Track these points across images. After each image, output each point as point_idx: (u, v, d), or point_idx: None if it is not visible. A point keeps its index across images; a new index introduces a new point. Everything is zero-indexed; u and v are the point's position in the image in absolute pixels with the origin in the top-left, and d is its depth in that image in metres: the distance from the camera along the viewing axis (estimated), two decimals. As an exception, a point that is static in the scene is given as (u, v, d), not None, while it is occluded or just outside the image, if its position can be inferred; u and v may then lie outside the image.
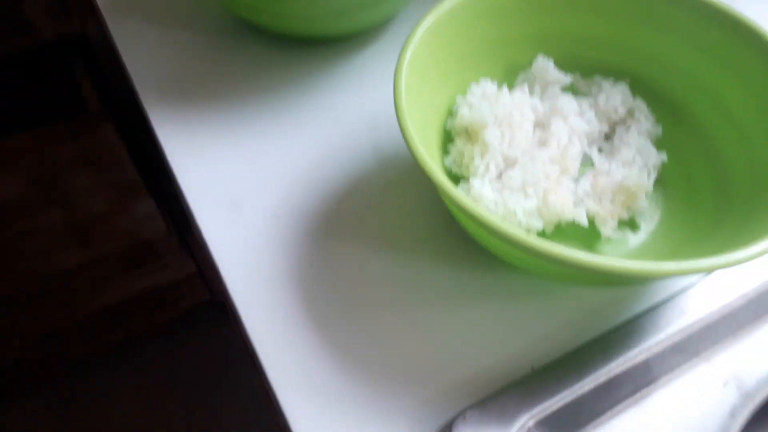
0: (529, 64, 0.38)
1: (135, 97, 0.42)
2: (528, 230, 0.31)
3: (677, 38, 0.35)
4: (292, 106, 0.41)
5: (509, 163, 0.33)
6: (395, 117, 0.39)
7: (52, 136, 0.66)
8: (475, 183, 0.32)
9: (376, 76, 0.42)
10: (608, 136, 0.37)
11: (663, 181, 0.35)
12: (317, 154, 0.38)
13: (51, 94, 0.74)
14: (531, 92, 0.37)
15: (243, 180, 0.37)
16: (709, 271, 0.25)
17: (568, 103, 0.35)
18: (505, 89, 0.35)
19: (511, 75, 0.38)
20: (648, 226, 0.33)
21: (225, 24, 0.45)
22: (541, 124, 0.35)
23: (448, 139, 0.36)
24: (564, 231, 0.33)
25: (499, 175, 0.33)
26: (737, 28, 0.33)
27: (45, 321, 0.85)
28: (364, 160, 0.38)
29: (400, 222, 0.35)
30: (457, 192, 0.27)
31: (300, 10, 0.40)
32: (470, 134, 0.34)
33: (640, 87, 0.37)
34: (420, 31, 0.32)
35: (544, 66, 0.37)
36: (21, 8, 0.67)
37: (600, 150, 0.36)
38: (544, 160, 0.33)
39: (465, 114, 0.34)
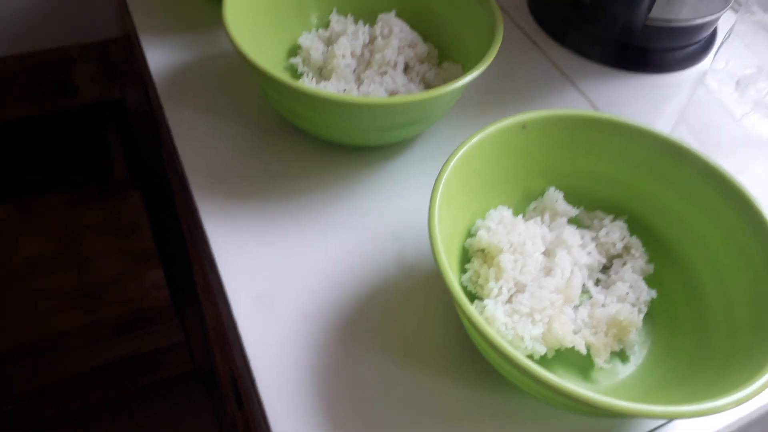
0: (542, 194, 0.43)
1: (184, 181, 0.46)
2: (532, 355, 0.35)
3: (674, 187, 0.40)
4: (328, 207, 0.45)
5: (519, 288, 0.38)
6: (418, 229, 0.44)
7: (83, 199, 0.70)
8: (489, 304, 0.36)
9: (403, 185, 0.47)
10: (606, 268, 0.42)
11: (652, 317, 0.39)
12: (346, 256, 0.42)
13: (83, 157, 0.79)
14: (541, 221, 0.42)
15: (277, 275, 0.41)
16: (672, 418, 0.29)
17: (572, 235, 0.40)
18: (520, 218, 0.40)
19: (524, 202, 0.43)
20: (637, 358, 0.38)
21: (272, 121, 0.50)
22: (547, 252, 0.40)
23: (464, 255, 0.40)
24: (563, 356, 0.37)
25: (510, 298, 0.37)
26: (728, 190, 0.38)
27: (33, 379, 0.86)
28: (388, 267, 0.42)
29: (417, 330, 0.39)
30: (474, 312, 0.31)
31: (339, 123, 0.45)
32: (486, 256, 0.39)
33: (636, 225, 0.42)
34: (453, 162, 0.37)
35: (555, 198, 0.42)
36: (69, 72, 0.72)
37: (598, 281, 0.41)
38: (550, 289, 0.37)
39: (483, 236, 0.39)
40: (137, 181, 0.76)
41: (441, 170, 0.36)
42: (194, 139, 0.48)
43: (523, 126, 0.40)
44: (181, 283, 0.90)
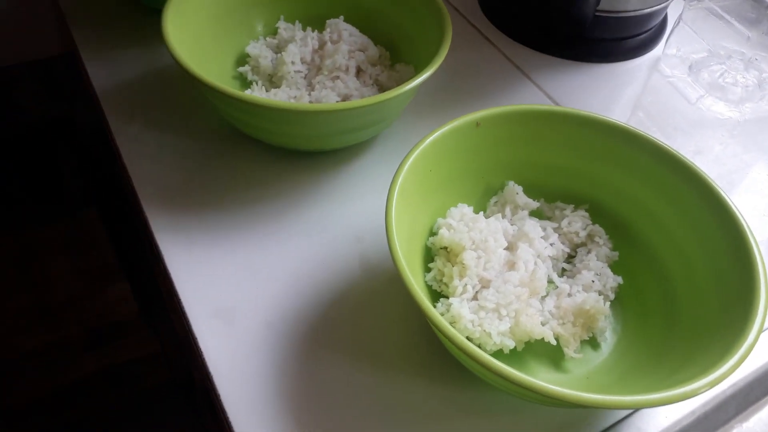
0: (501, 188, 0.42)
1: (135, 199, 0.45)
2: (502, 349, 0.34)
3: (631, 173, 0.40)
4: (285, 214, 0.44)
5: (484, 284, 0.37)
6: (380, 230, 0.43)
7: (38, 219, 0.68)
8: (455, 302, 0.35)
9: (362, 188, 0.46)
10: (571, 257, 0.41)
11: (621, 302, 0.39)
12: (308, 262, 0.41)
13: (36, 176, 0.76)
14: (503, 215, 0.41)
15: (237, 286, 0.40)
16: (642, 407, 0.29)
17: (534, 228, 0.39)
18: (481, 214, 0.39)
19: (485, 197, 0.42)
20: (608, 345, 0.37)
21: (222, 131, 0.48)
22: (510, 247, 0.39)
23: (428, 254, 0.39)
24: (534, 347, 0.36)
25: (475, 295, 0.37)
26: (683, 172, 0.38)
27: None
28: (351, 270, 0.41)
29: (384, 332, 0.38)
30: (434, 312, 0.30)
31: (292, 131, 0.44)
32: (449, 254, 0.38)
33: (598, 213, 0.41)
34: (408, 163, 0.36)
35: (514, 191, 0.41)
36: (11, 91, 0.70)
37: (564, 271, 0.40)
38: (515, 283, 0.36)
39: (445, 234, 0.38)
40: (93, 197, 0.73)
41: (396, 172, 0.36)
42: (143, 156, 0.47)
43: (477, 124, 0.39)
44: (151, 294, 0.88)
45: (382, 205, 0.44)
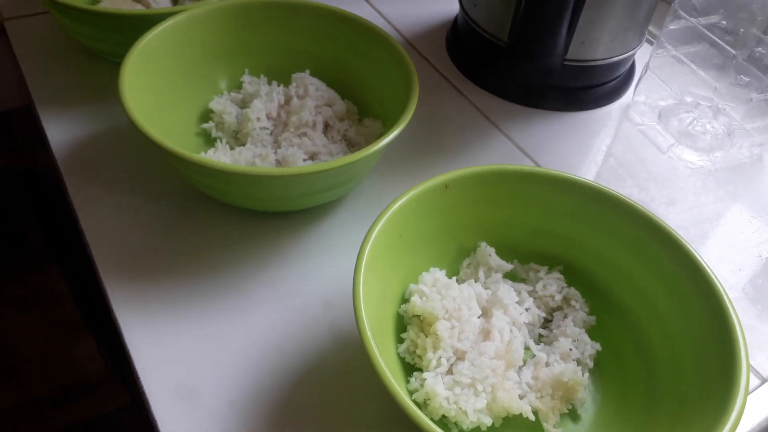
0: (474, 249, 0.41)
1: (92, 266, 0.43)
2: (479, 426, 0.33)
3: (605, 233, 0.39)
4: (251, 278, 0.42)
5: (459, 355, 0.35)
6: (350, 295, 0.41)
7: (-6, 278, 0.65)
8: (429, 378, 0.34)
9: (330, 250, 0.44)
10: (548, 321, 0.40)
11: (600, 369, 0.38)
12: (275, 331, 0.39)
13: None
14: (476, 278, 0.40)
15: (198, 362, 0.38)
16: None
17: (508, 293, 0.38)
18: (454, 280, 0.38)
19: (458, 259, 0.41)
20: (588, 416, 0.36)
21: (183, 192, 0.47)
22: (485, 312, 0.38)
23: (400, 322, 0.38)
24: (512, 422, 0.35)
25: (450, 368, 0.35)
26: (658, 233, 0.37)
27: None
28: (321, 339, 0.39)
29: (355, 410, 0.36)
30: (401, 397, 0.29)
31: (255, 194, 0.42)
32: (422, 322, 0.37)
33: (574, 275, 0.40)
34: (376, 229, 0.35)
35: (487, 253, 0.40)
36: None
37: (540, 337, 0.39)
38: (490, 354, 0.35)
39: (417, 302, 0.36)
40: (54, 252, 0.70)
41: (364, 240, 0.34)
42: (101, 219, 0.44)
43: (446, 185, 0.38)
44: (119, 348, 0.84)
45: (351, 268, 0.43)
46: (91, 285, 0.79)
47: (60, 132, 0.50)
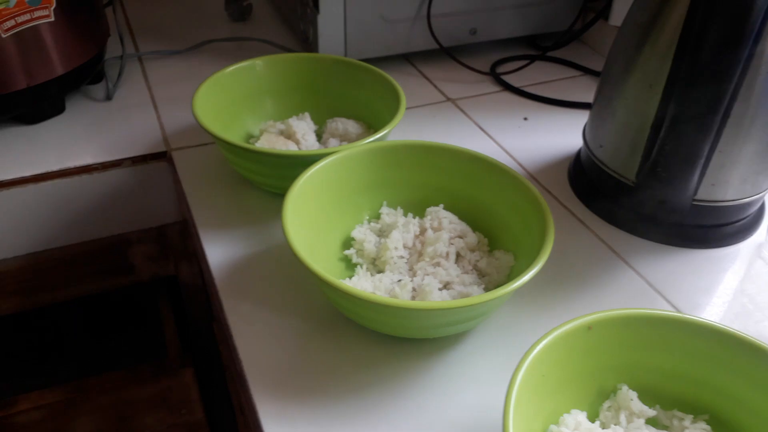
0: (614, 392, 0.41)
1: (243, 382, 0.46)
2: None
3: (756, 386, 0.38)
4: (386, 405, 0.44)
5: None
6: (485, 428, 0.42)
7: (138, 377, 0.70)
8: None
9: (462, 379, 0.46)
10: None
11: None
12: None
13: (137, 333, 0.80)
14: (616, 422, 0.40)
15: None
16: None
17: (655, 441, 0.37)
18: (597, 424, 0.38)
19: (597, 401, 0.41)
20: None
21: (327, 314, 0.50)
22: (630, 461, 0.37)
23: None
24: None
25: None
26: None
27: None
28: (459, 473, 0.40)
29: None
30: None
31: (394, 321, 0.45)
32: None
33: (719, 425, 0.39)
34: (522, 369, 0.36)
35: (629, 397, 0.40)
36: (127, 253, 0.76)
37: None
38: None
39: (559, 446, 0.37)
40: (189, 356, 0.76)
41: (511, 381, 0.35)
42: (252, 335, 0.48)
43: (589, 327, 0.39)
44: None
45: (484, 398, 0.44)
46: (216, 387, 0.83)
47: (216, 250, 0.56)
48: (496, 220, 0.53)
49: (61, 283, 0.75)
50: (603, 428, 0.38)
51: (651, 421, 0.40)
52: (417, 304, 0.42)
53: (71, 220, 0.70)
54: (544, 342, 0.38)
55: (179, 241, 0.77)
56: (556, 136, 0.72)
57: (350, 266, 0.53)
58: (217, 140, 0.56)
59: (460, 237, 0.52)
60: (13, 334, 0.94)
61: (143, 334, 0.87)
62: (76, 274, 0.75)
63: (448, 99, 0.79)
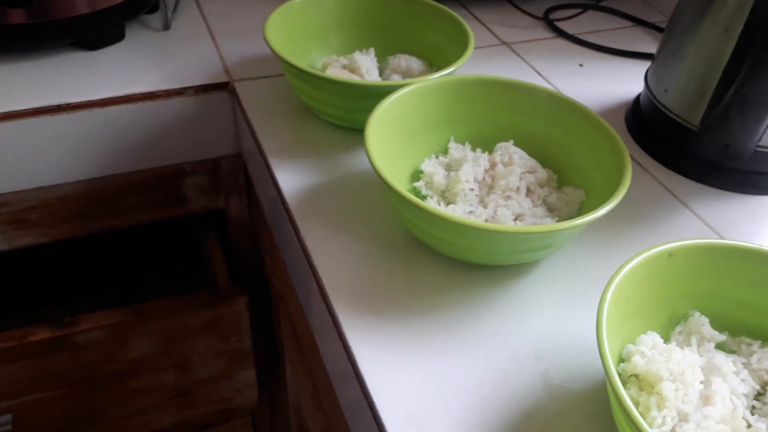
0: (685, 318, 0.43)
1: (324, 297, 0.48)
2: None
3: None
4: (461, 326, 0.46)
5: (682, 417, 0.37)
6: (560, 350, 0.44)
7: (192, 303, 0.73)
8: (657, 435, 0.36)
9: (535, 304, 0.48)
10: (759, 395, 0.41)
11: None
12: (488, 377, 0.43)
13: (185, 262, 0.82)
14: (689, 344, 0.42)
15: (423, 395, 0.41)
16: None
17: (725, 362, 0.40)
18: (674, 345, 0.40)
19: (669, 326, 0.43)
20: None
21: (400, 238, 0.52)
22: (703, 380, 0.39)
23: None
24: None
25: (673, 429, 0.37)
26: None
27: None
28: (534, 389, 0.42)
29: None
30: None
31: (469, 245, 0.47)
32: (641, 382, 0.39)
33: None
34: (611, 290, 0.38)
35: (701, 323, 0.42)
36: (181, 185, 0.77)
37: (753, 409, 0.40)
38: (716, 419, 0.36)
39: (639, 362, 0.39)
40: (242, 286, 0.78)
41: (601, 300, 0.37)
42: (329, 256, 0.50)
43: (670, 255, 0.41)
44: (271, 384, 0.91)
45: (557, 323, 0.46)
46: (260, 319, 0.86)
47: (287, 177, 0.57)
48: (566, 157, 0.55)
49: (114, 211, 0.77)
50: (679, 349, 0.41)
51: (719, 346, 0.42)
52: (503, 227, 0.43)
53: (130, 147, 0.71)
54: (629, 266, 0.39)
55: (231, 175, 0.79)
56: (612, 83, 0.72)
57: (419, 198, 0.54)
58: (293, 69, 0.57)
59: (530, 172, 0.54)
60: (66, 259, 0.97)
61: (192, 265, 0.89)
62: (129, 203, 0.77)
63: (503, 42, 0.79)
